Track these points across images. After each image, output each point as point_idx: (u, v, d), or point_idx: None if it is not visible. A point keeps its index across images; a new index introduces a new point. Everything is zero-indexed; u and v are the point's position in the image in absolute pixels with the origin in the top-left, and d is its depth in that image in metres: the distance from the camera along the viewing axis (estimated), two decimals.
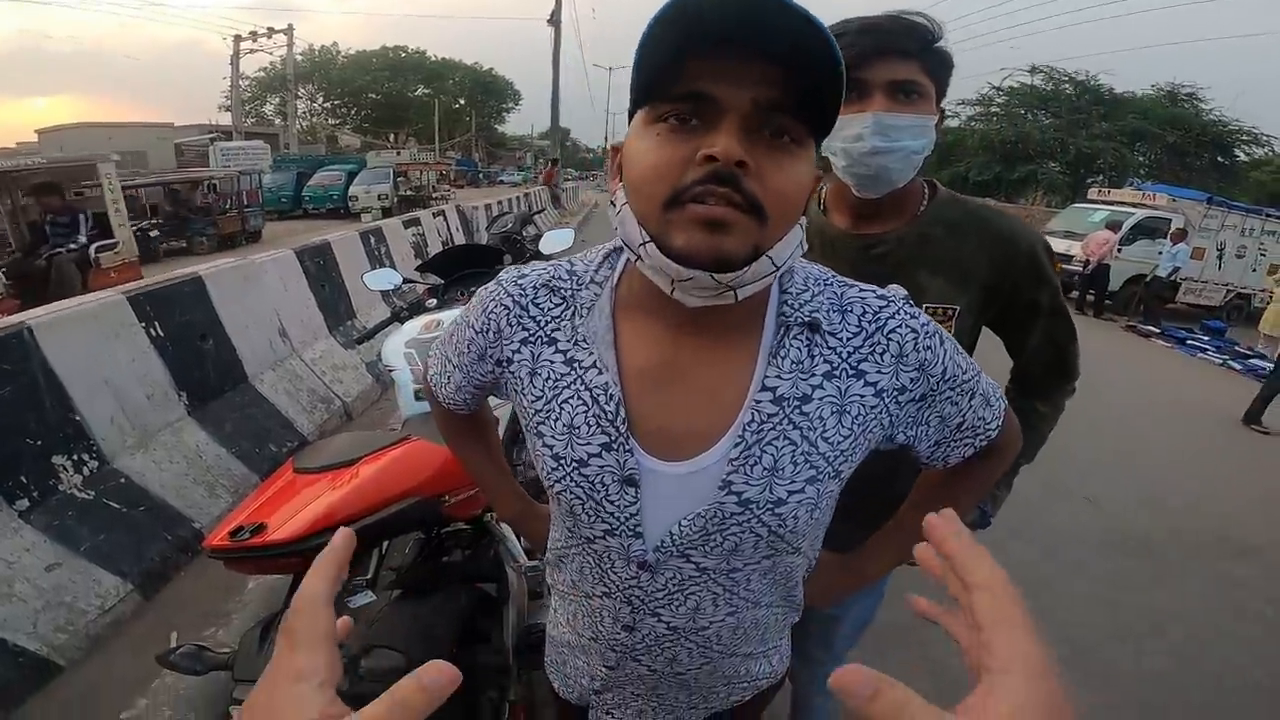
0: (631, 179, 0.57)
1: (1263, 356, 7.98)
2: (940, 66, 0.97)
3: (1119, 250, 10.30)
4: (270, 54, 33.48)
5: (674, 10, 0.50)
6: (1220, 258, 11.42)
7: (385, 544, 1.52)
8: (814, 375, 0.63)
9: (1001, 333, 1.13)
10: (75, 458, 2.33)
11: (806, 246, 0.61)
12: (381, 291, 2.36)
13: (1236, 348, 8.36)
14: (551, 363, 0.67)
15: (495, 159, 66.41)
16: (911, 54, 0.93)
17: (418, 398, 1.79)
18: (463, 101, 62.30)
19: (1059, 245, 9.78)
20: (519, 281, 0.70)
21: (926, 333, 0.65)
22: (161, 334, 2.82)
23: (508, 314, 0.69)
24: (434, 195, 21.65)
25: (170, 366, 2.83)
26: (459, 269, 2.39)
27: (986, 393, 0.72)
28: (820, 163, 0.79)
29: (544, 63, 22.37)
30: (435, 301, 2.25)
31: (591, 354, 0.64)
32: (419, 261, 5.79)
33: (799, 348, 0.63)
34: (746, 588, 0.71)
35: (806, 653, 1.02)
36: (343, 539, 0.39)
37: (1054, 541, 3.08)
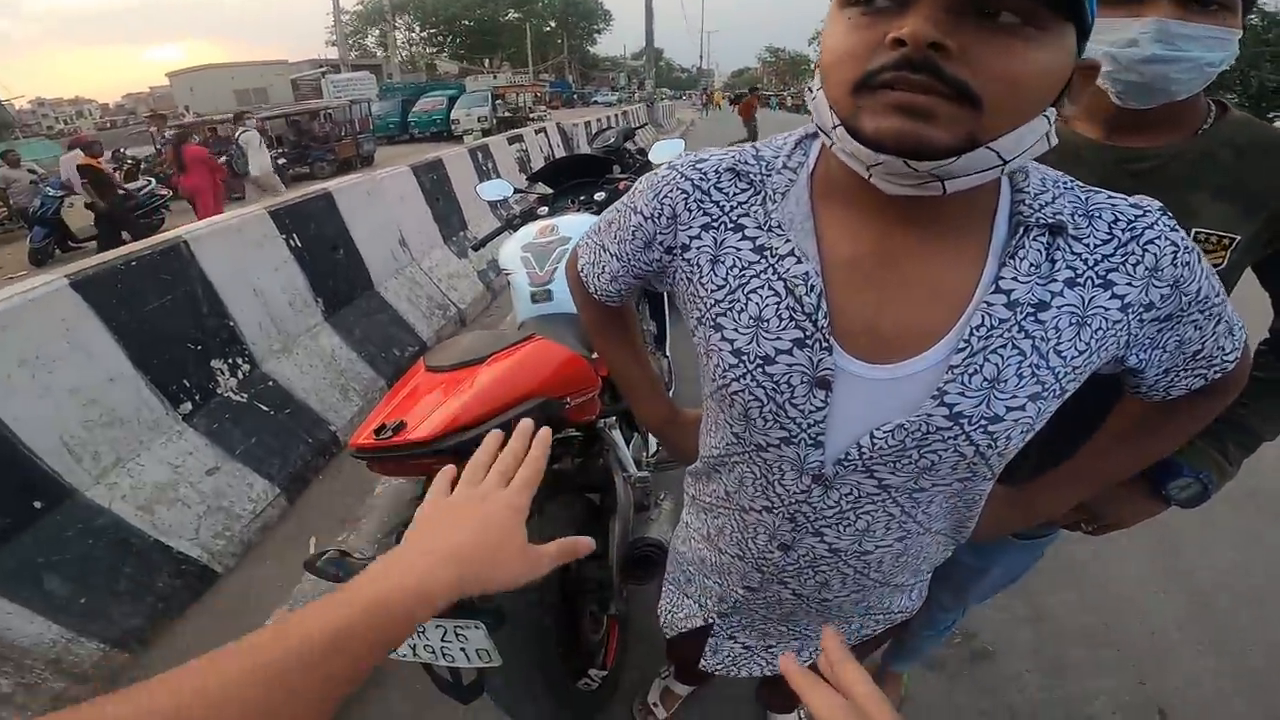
0: (822, 64, 0.53)
1: None
2: None
3: None
4: None
5: None
6: None
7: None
8: (1054, 280, 0.56)
9: (1273, 281, 0.95)
10: (230, 361, 2.47)
11: (1055, 140, 0.52)
12: (491, 203, 2.38)
13: None
14: (738, 250, 0.61)
15: (589, 80, 65.99)
16: None
17: (533, 300, 1.78)
18: (553, 24, 62.16)
19: None
20: (698, 165, 0.65)
21: (1185, 248, 0.58)
22: (300, 245, 2.92)
23: (686, 198, 0.64)
24: (531, 116, 21.91)
25: (308, 275, 2.94)
26: (568, 179, 2.37)
27: (1231, 320, 0.64)
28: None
29: None
30: (547, 210, 2.21)
31: (789, 241, 0.59)
32: (523, 176, 5.77)
33: (1038, 249, 0.56)
34: (925, 510, 0.66)
35: (933, 594, 0.95)
36: (541, 445, 0.62)
37: None
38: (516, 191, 2.38)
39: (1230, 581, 2.29)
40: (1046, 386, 0.56)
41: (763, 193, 0.62)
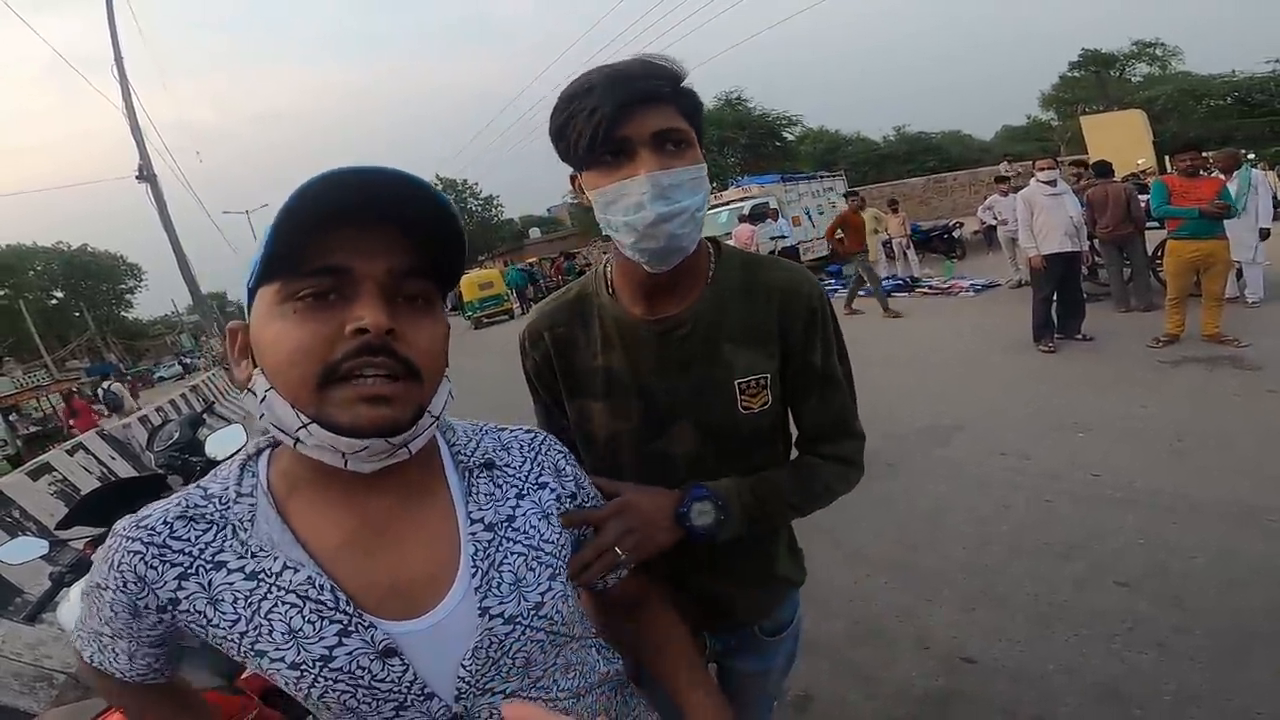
0: (273, 363, 0.56)
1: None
2: (696, 108, 0.86)
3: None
4: None
5: (300, 196, 0.52)
6: (810, 219, 14.52)
7: None
8: (508, 499, 0.70)
9: (789, 399, 0.99)
10: None
11: (454, 398, 0.65)
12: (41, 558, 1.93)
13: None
14: (231, 584, 0.60)
15: (140, 353, 53.76)
16: (668, 98, 0.81)
17: None
18: (60, 295, 49.28)
19: None
20: (141, 524, 0.62)
21: (572, 457, 0.80)
22: None
23: (142, 558, 0.60)
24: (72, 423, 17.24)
25: None
26: (119, 510, 1.98)
27: None
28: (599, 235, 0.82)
29: (154, 226, 17.04)
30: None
31: (277, 558, 0.60)
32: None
33: (486, 482, 0.70)
34: (560, 688, 0.71)
35: (754, 702, 1.10)
36: None
37: None
38: (54, 543, 1.95)
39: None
40: (554, 566, 0.69)
41: (229, 526, 0.61)
